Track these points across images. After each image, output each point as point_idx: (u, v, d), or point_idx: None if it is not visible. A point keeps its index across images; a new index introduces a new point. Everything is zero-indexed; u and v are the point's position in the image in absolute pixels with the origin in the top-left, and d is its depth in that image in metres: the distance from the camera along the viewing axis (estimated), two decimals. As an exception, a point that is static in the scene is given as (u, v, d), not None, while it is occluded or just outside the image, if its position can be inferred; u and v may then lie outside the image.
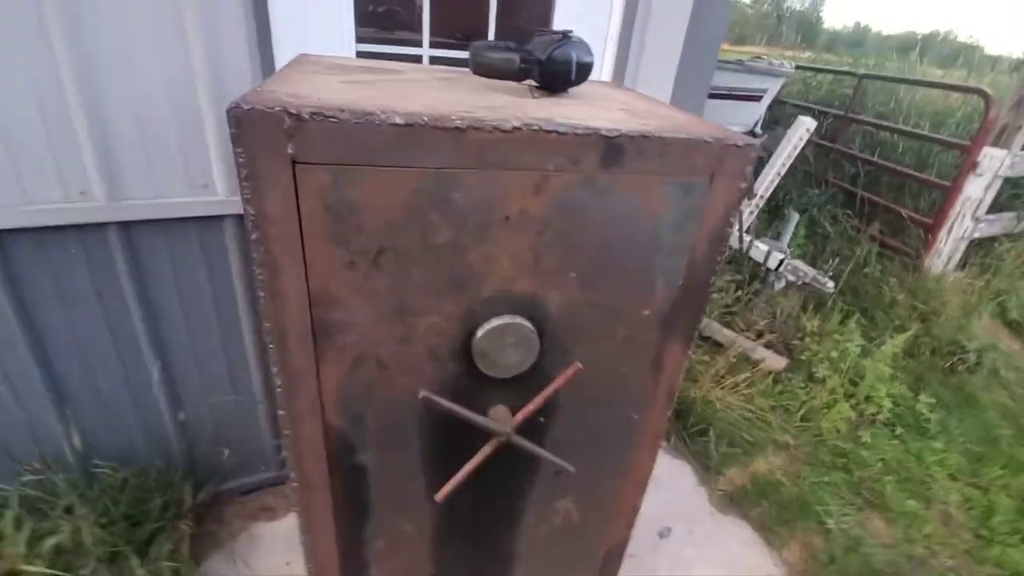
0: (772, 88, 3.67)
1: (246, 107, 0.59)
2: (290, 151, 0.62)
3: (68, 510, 1.29)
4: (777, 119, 5.49)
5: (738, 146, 0.76)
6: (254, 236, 0.66)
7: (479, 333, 0.79)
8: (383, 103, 0.67)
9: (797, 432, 2.63)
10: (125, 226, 1.33)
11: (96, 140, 1.20)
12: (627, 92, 1.14)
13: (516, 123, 0.67)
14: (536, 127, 0.68)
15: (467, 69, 0.93)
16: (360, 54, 1.49)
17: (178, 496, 1.58)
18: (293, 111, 0.60)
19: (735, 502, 2.23)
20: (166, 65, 1.22)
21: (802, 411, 2.72)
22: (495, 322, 0.79)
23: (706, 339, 3.06)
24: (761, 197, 3.34)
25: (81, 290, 1.34)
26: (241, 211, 0.85)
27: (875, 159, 4.40)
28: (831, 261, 3.15)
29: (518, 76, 0.87)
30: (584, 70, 0.89)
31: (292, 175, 0.63)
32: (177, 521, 1.53)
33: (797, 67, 5.11)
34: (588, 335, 0.86)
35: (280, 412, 0.81)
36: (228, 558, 1.63)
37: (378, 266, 0.71)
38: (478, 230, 0.72)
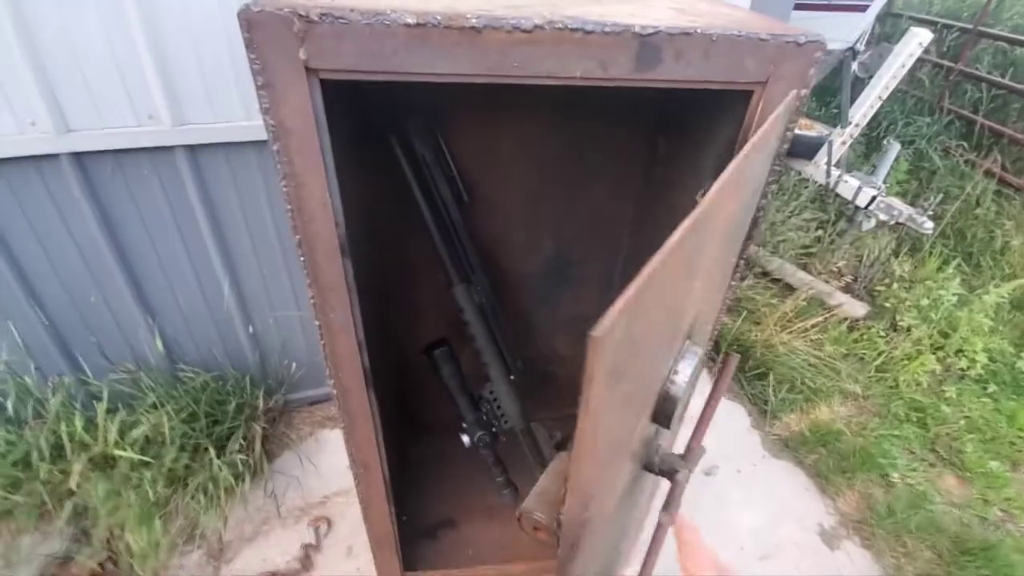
0: (882, -5, 3.17)
1: (256, 9, 0.58)
2: (302, 56, 0.61)
3: (154, 406, 1.47)
4: (890, 35, 4.79)
5: (798, 44, 0.67)
6: (275, 148, 0.67)
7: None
8: (399, 3, 0.64)
9: (869, 383, 2.46)
10: (191, 149, 1.40)
11: (157, 62, 1.25)
12: (687, -7, 1.02)
13: (538, 21, 0.61)
14: (560, 25, 0.62)
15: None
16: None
17: (252, 401, 1.75)
18: (303, 12, 0.58)
19: (790, 448, 2.16)
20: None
21: (878, 361, 2.54)
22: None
23: (776, 281, 2.88)
24: (857, 125, 2.98)
25: (157, 209, 1.45)
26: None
27: (1006, 81, 3.77)
28: (933, 199, 2.79)
29: (555, -26, 0.80)
30: (630, -36, 0.80)
31: (307, 83, 0.62)
32: (252, 422, 1.70)
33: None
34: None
35: (316, 323, 0.85)
36: (296, 457, 1.81)
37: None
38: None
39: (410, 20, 0.60)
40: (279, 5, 0.58)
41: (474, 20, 0.60)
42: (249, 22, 0.58)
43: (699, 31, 0.64)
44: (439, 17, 0.60)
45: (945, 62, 4.22)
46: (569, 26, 0.62)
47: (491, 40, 0.62)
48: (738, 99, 0.73)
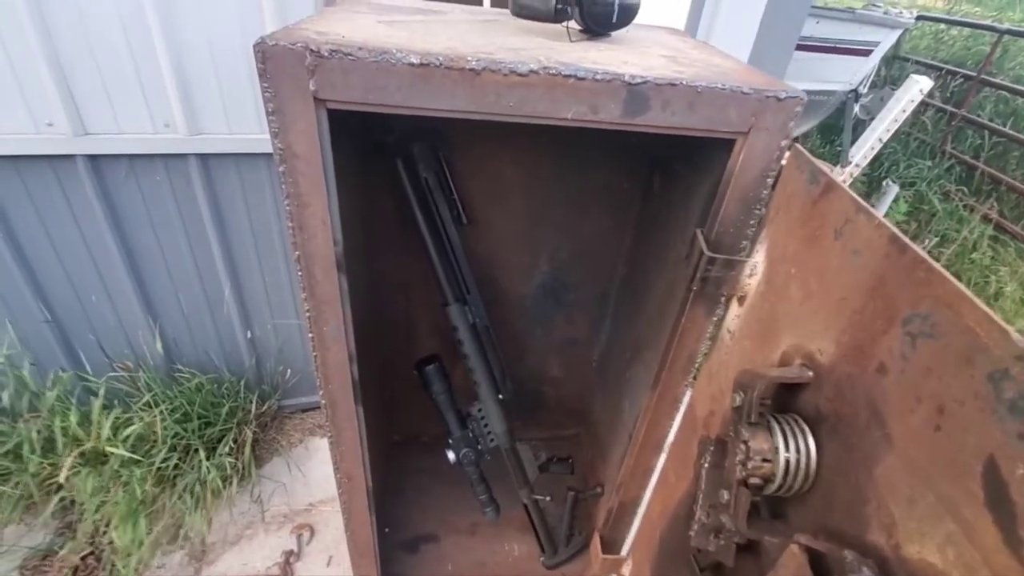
0: (885, 41, 3.21)
1: (271, 43, 0.62)
2: (312, 88, 0.65)
3: (149, 405, 1.50)
4: (896, 78, 4.88)
5: (779, 99, 0.71)
6: (281, 169, 0.71)
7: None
8: (405, 43, 0.68)
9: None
10: (203, 158, 1.45)
11: (176, 73, 1.30)
12: (684, 40, 1.07)
13: (534, 66, 0.66)
14: (554, 71, 0.66)
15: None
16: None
17: (245, 404, 1.77)
18: (314, 48, 0.63)
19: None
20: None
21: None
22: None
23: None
24: (857, 165, 3.03)
25: (166, 213, 1.49)
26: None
27: (1006, 129, 3.83)
28: (927, 241, 2.83)
29: (556, 18, 0.85)
30: (627, 12, 0.85)
31: (315, 112, 0.67)
32: (243, 426, 1.73)
33: (919, 17, 4.44)
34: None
35: (309, 334, 0.88)
36: (285, 463, 1.83)
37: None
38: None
39: (414, 60, 0.64)
40: (293, 40, 0.63)
41: (473, 62, 0.65)
42: (264, 54, 0.63)
43: (684, 82, 0.69)
44: (441, 58, 0.64)
45: (948, 107, 4.29)
46: (562, 72, 0.66)
47: (488, 81, 0.66)
48: (722, 147, 0.77)
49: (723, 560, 0.72)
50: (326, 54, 0.63)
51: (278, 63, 0.63)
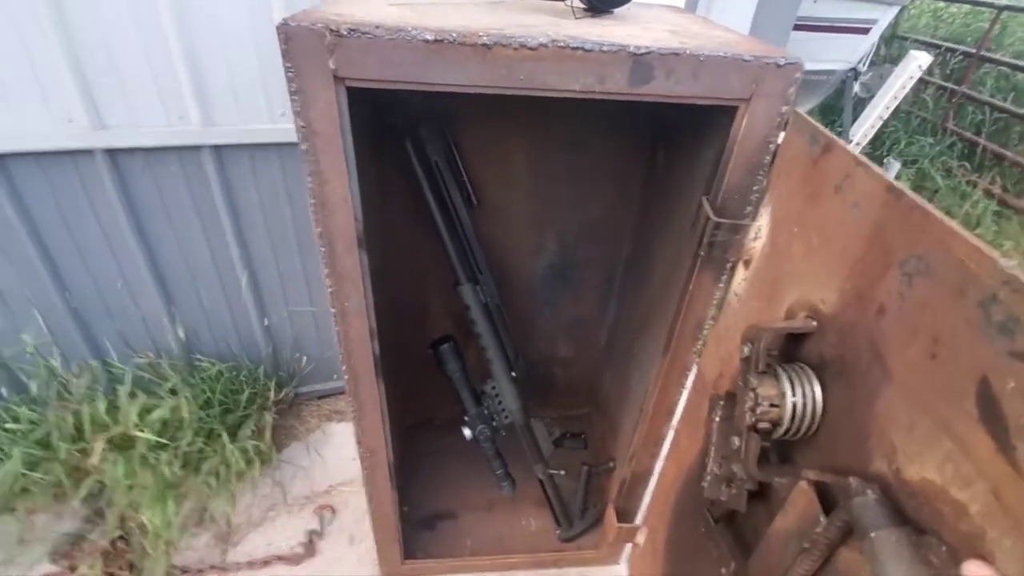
0: (883, 19, 3.21)
1: (293, 24, 0.65)
2: (332, 66, 0.68)
3: (173, 391, 1.54)
4: (895, 56, 4.86)
5: (779, 65, 0.74)
6: (303, 147, 0.74)
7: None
8: (419, 22, 0.71)
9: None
10: (217, 149, 1.48)
11: (189, 65, 1.33)
12: (685, 16, 1.10)
13: (543, 40, 0.69)
14: (562, 44, 0.69)
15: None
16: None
17: (264, 391, 1.81)
18: (334, 28, 0.66)
19: None
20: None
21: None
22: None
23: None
24: (858, 144, 3.04)
25: (182, 205, 1.53)
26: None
27: (1007, 105, 3.83)
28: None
29: (561, -4, 0.88)
30: (630, -11, 0.88)
31: (335, 90, 0.70)
32: (262, 412, 1.77)
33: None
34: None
35: (331, 310, 0.92)
36: (304, 448, 1.87)
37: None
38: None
39: (428, 36, 0.67)
40: (313, 20, 0.66)
41: (485, 38, 0.68)
42: (287, 34, 0.66)
43: (688, 52, 0.72)
44: (455, 34, 0.67)
45: (949, 84, 4.28)
46: (570, 45, 0.69)
47: (500, 56, 0.69)
48: (725, 114, 0.80)
49: (736, 507, 0.75)
50: (345, 33, 0.66)
51: (300, 43, 0.66)
